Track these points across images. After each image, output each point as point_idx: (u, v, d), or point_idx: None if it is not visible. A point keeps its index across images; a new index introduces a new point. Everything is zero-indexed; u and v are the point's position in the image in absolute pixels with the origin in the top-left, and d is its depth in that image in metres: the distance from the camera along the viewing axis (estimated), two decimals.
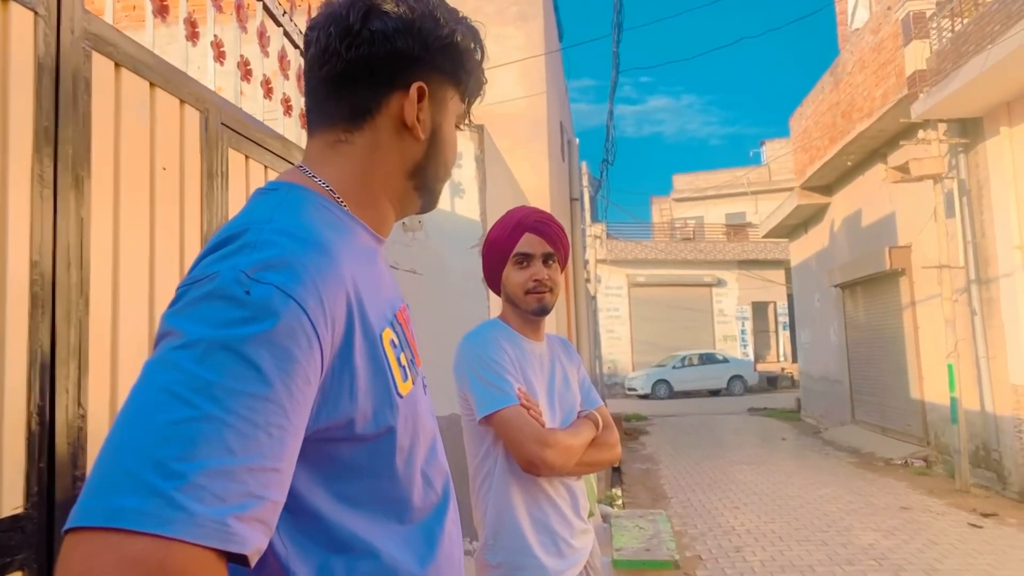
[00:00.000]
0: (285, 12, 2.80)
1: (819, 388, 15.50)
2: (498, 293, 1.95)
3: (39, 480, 1.36)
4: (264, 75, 2.65)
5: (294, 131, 2.77)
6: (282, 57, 2.77)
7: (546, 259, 1.86)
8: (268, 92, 2.68)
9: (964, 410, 8.60)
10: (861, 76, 10.99)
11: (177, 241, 1.88)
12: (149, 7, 1.98)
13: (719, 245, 27.58)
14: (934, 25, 8.94)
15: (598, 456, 1.85)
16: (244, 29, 2.47)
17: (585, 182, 15.16)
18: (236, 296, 0.67)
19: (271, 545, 0.74)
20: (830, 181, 13.59)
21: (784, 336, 26.57)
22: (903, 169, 9.24)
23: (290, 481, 0.69)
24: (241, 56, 2.45)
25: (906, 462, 10.08)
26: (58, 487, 1.39)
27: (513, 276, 1.86)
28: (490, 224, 1.97)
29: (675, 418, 17.16)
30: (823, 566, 5.69)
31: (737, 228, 29.55)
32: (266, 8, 2.66)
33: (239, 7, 2.42)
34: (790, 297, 23.24)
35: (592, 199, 18.55)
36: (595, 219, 21.02)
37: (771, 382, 24.82)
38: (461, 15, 0.95)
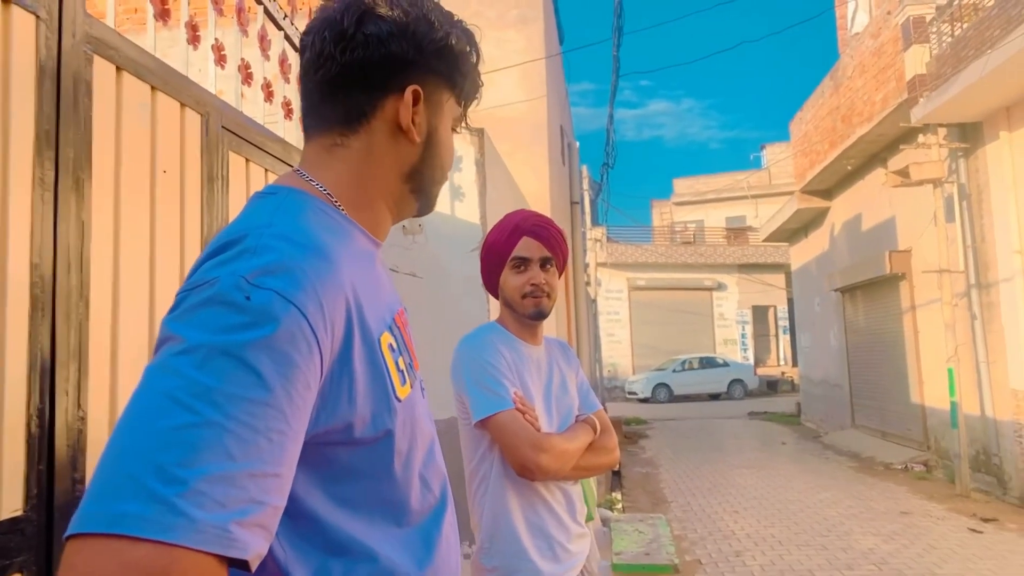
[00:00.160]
0: (286, 16, 2.81)
1: (819, 392, 15.49)
2: (496, 297, 1.95)
3: (39, 482, 1.36)
4: (265, 78, 2.66)
5: (295, 134, 2.78)
6: (283, 60, 2.77)
7: (544, 263, 1.86)
8: (269, 95, 2.69)
9: (964, 415, 8.60)
10: (861, 80, 11.01)
11: (177, 244, 1.89)
12: (150, 11, 1.98)
13: (719, 249, 27.60)
14: (934, 30, 8.96)
15: (596, 460, 1.84)
16: (245, 33, 2.47)
17: (585, 186, 15.17)
18: (236, 302, 0.68)
19: (270, 548, 0.74)
20: (830, 185, 13.60)
21: (784, 340, 26.56)
22: (903, 173, 9.26)
23: (290, 486, 0.70)
24: (242, 59, 2.46)
25: (906, 466, 10.07)
26: (58, 489, 1.39)
27: (510, 280, 1.86)
28: (490, 228, 1.98)
29: (675, 422, 17.14)
30: (823, 571, 5.68)
31: (737, 232, 29.56)
32: (267, 12, 2.66)
33: (240, 10, 2.42)
34: (790, 301, 23.24)
35: (592, 203, 18.57)
36: (595, 223, 21.04)
37: (771, 386, 24.81)
38: (456, 18, 0.95)
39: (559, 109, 9.10)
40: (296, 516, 0.77)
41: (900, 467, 10.12)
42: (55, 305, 1.42)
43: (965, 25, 8.28)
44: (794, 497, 8.43)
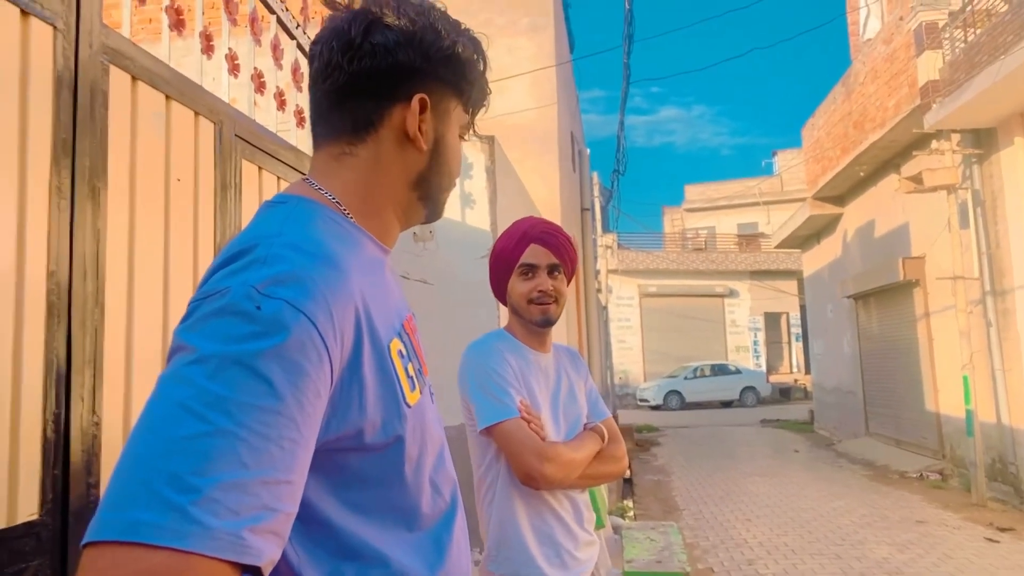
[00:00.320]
0: (298, 25, 2.84)
1: (832, 400, 15.38)
2: (504, 304, 1.95)
3: (54, 487, 1.37)
4: (277, 87, 2.68)
5: (307, 142, 2.80)
6: (295, 69, 2.80)
7: (551, 270, 1.86)
8: (281, 104, 2.71)
9: (980, 423, 8.51)
10: (873, 86, 10.96)
11: (191, 251, 1.90)
12: (165, 21, 2.01)
13: (731, 255, 27.49)
14: (947, 35, 8.91)
15: (603, 469, 1.83)
16: (258, 42, 2.50)
17: (596, 192, 15.17)
18: (247, 311, 0.69)
19: (283, 553, 0.75)
20: (843, 191, 13.53)
21: (797, 347, 26.40)
22: (916, 180, 9.19)
23: (302, 492, 0.71)
24: (255, 68, 2.48)
25: (921, 475, 9.97)
26: (73, 494, 1.41)
27: (518, 287, 1.86)
28: (500, 235, 1.98)
29: (687, 429, 17.06)
30: None
31: (749, 238, 29.44)
32: (280, 21, 2.69)
33: (253, 20, 2.45)
34: (803, 308, 23.10)
35: (603, 209, 18.56)
36: (606, 229, 21.02)
37: (784, 393, 24.65)
38: (463, 27, 0.96)
39: (569, 116, 9.12)
40: (309, 521, 0.77)
41: (915, 475, 10.02)
42: (71, 312, 1.44)
43: (978, 31, 8.24)
44: (807, 505, 8.36)
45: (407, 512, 0.86)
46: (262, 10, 2.58)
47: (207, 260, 1.91)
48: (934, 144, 9.09)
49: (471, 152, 4.12)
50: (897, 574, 5.72)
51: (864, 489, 9.36)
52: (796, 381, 25.44)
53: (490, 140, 4.14)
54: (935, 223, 9.68)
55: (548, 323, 1.86)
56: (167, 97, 1.84)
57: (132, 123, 1.70)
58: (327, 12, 0.94)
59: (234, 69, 2.36)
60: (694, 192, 32.43)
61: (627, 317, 26.21)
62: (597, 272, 15.28)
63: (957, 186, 8.90)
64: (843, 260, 14.06)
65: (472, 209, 4.08)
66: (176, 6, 2.02)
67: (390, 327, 0.85)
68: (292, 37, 2.79)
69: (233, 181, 2.13)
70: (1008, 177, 8.27)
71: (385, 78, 0.89)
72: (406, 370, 0.86)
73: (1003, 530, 7.07)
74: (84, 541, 0.60)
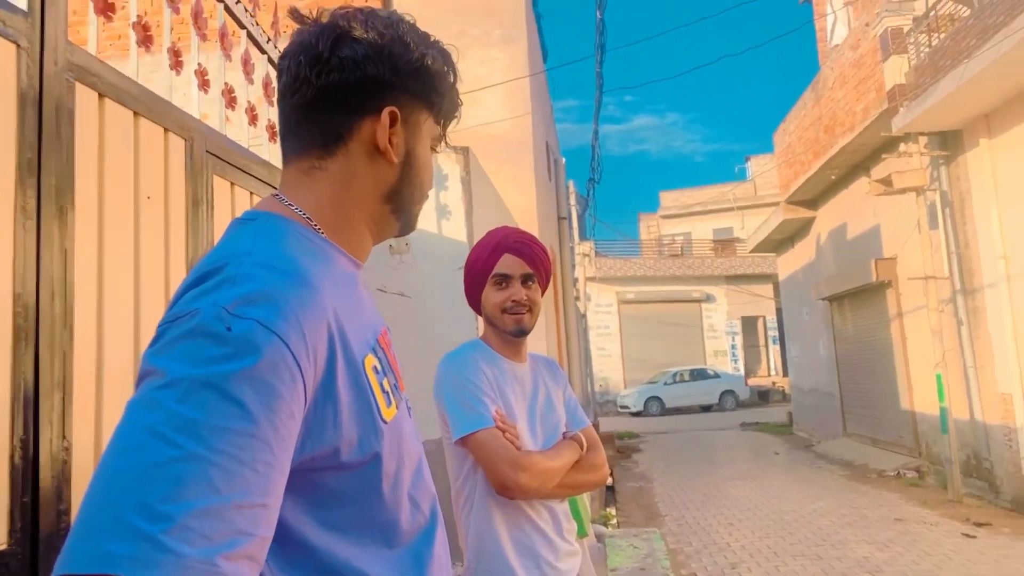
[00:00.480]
0: (269, 39, 2.82)
1: (810, 401, 15.53)
2: (479, 314, 1.94)
3: (23, 515, 1.34)
4: (249, 102, 2.66)
5: (279, 157, 2.78)
6: (267, 84, 2.78)
7: (525, 280, 1.85)
8: (253, 119, 2.69)
9: (954, 420, 8.65)
10: (842, 91, 11.15)
11: (162, 270, 1.88)
12: (133, 37, 1.99)
13: (707, 261, 27.74)
14: (911, 40, 9.10)
15: (582, 478, 1.83)
16: (228, 57, 2.48)
17: (572, 201, 15.25)
18: (217, 333, 0.67)
19: None
20: (815, 195, 13.72)
21: (774, 350, 26.66)
22: (886, 182, 9.35)
23: (277, 515, 0.69)
24: (226, 83, 2.47)
25: (898, 473, 10.09)
26: (42, 522, 1.37)
27: (492, 296, 1.85)
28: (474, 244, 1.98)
29: (668, 435, 17.12)
30: None
31: (724, 243, 29.73)
32: (250, 36, 2.67)
33: (223, 35, 2.43)
34: (779, 311, 23.34)
35: (580, 217, 18.65)
36: (583, 237, 21.12)
37: (762, 396, 24.86)
38: (433, 39, 0.96)
39: (544, 126, 9.16)
40: (286, 543, 0.76)
41: (893, 474, 10.14)
42: (39, 334, 1.41)
43: (942, 35, 8.41)
44: (788, 507, 8.42)
45: (386, 529, 0.85)
46: (232, 25, 2.56)
47: (179, 278, 1.89)
48: (902, 147, 9.25)
49: (446, 163, 4.12)
50: (878, 573, 5.78)
51: (843, 489, 9.46)
52: (774, 384, 25.67)
53: (465, 151, 4.14)
54: (905, 225, 9.84)
55: (522, 333, 1.86)
56: (135, 114, 1.81)
57: (100, 141, 1.67)
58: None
59: (204, 84, 2.33)
60: (669, 199, 32.70)
61: (606, 324, 26.32)
62: (575, 280, 15.34)
63: (926, 188, 9.07)
64: (817, 263, 14.24)
65: (448, 220, 4.08)
66: (144, 22, 2.00)
67: (364, 343, 0.84)
68: (263, 51, 2.78)
69: (205, 197, 2.11)
70: (975, 178, 8.45)
71: (354, 91, 0.88)
72: (381, 385, 0.85)
73: (980, 525, 7.18)
74: (55, 574, 0.58)
